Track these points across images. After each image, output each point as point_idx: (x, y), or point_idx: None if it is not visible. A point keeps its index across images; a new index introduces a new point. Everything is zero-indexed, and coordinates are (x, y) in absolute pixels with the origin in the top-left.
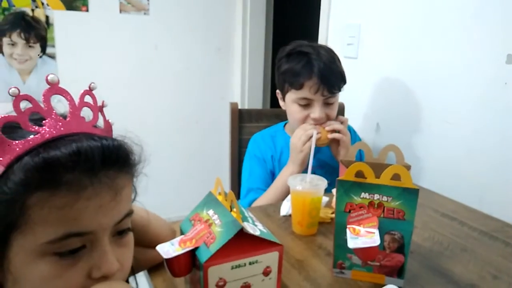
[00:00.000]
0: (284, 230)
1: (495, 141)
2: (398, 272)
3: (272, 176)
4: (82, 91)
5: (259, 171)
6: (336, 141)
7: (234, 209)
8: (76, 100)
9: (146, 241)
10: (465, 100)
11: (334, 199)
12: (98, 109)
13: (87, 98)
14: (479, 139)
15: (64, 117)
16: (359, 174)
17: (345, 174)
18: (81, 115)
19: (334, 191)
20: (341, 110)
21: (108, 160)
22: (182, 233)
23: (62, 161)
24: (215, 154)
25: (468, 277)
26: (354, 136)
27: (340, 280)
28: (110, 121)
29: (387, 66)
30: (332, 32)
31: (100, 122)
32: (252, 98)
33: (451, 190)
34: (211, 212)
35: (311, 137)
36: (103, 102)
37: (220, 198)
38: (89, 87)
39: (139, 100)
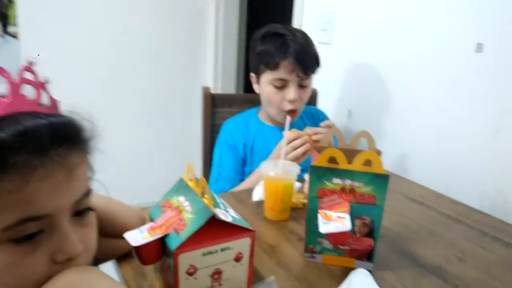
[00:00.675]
0: (257, 216)
1: (463, 128)
2: (368, 256)
3: (243, 163)
4: (20, 68)
5: (230, 158)
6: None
7: (206, 196)
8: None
9: (112, 230)
10: (436, 87)
11: (305, 184)
12: (40, 85)
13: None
14: (447, 126)
15: (5, 96)
16: (332, 160)
17: (318, 160)
18: (24, 93)
19: (306, 176)
20: (314, 96)
21: (57, 138)
22: (151, 220)
23: (8, 143)
24: (186, 139)
25: (435, 260)
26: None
27: (311, 265)
28: (56, 98)
29: (360, 53)
30: (306, 17)
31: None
32: (225, 83)
33: (419, 175)
34: (182, 198)
35: (295, 149)
36: (45, 78)
37: (191, 184)
38: (28, 62)
39: (107, 81)
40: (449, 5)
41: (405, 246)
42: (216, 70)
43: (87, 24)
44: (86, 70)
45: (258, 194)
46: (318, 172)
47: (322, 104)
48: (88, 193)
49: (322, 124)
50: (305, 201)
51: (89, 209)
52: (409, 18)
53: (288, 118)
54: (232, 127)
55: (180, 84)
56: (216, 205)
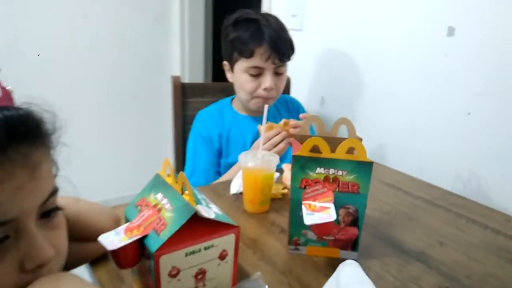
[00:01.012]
0: (236, 209)
1: (435, 112)
2: (352, 245)
3: (219, 155)
4: None
5: (205, 151)
6: None
7: (186, 192)
8: None
9: (83, 233)
10: (407, 72)
11: (284, 174)
12: None
13: None
14: (420, 111)
15: None
16: (315, 149)
17: (300, 149)
18: None
19: (284, 166)
20: (287, 84)
21: (16, 134)
22: (127, 220)
23: None
24: (156, 131)
25: (417, 245)
26: (302, 111)
27: (295, 257)
28: (8, 88)
29: (331, 39)
30: (275, 2)
31: None
32: (193, 72)
33: (394, 161)
34: (159, 196)
35: (275, 145)
36: None
37: (169, 180)
38: None
39: (68, 73)
40: None
41: (386, 233)
42: (182, 59)
43: (46, 12)
44: (45, 61)
45: (236, 187)
46: (301, 162)
47: (295, 92)
48: (54, 192)
49: (301, 116)
50: (285, 191)
51: (57, 208)
52: (381, 3)
53: (266, 107)
54: (206, 118)
55: (146, 74)
56: (197, 201)
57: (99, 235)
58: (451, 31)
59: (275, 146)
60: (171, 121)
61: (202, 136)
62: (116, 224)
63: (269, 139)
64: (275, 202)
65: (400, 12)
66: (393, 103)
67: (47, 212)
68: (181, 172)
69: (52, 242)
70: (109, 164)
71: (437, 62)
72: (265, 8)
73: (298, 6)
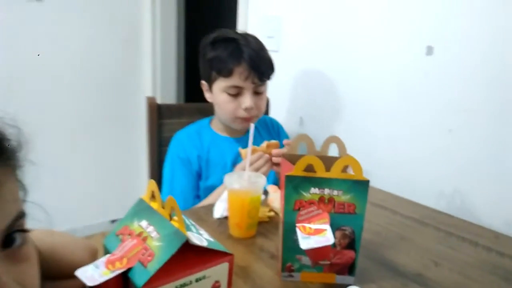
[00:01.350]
0: (220, 234)
1: (416, 130)
2: (349, 269)
3: (198, 178)
4: None
5: (183, 173)
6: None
7: (175, 217)
8: None
9: (58, 270)
10: (387, 91)
11: (270, 196)
12: None
13: None
14: (401, 129)
15: None
16: (308, 168)
17: (294, 169)
18: None
19: (268, 188)
20: (266, 105)
21: None
22: (107, 251)
23: None
24: (130, 154)
25: (413, 266)
26: (282, 132)
27: (289, 285)
28: None
29: (309, 59)
30: (251, 24)
31: None
32: (165, 93)
33: (376, 179)
34: (144, 223)
35: (258, 169)
36: None
37: (155, 205)
38: None
39: (38, 98)
40: (398, 9)
41: (380, 255)
42: (154, 80)
43: (10, 35)
44: (12, 85)
45: (219, 210)
46: (294, 182)
47: (274, 112)
48: (20, 216)
49: (285, 143)
50: (271, 214)
51: (25, 237)
52: (358, 23)
53: (252, 126)
54: (184, 139)
55: (117, 96)
56: (187, 227)
57: (75, 270)
58: (430, 50)
59: (258, 170)
60: (146, 143)
61: (180, 158)
62: (93, 257)
63: (252, 163)
64: (262, 226)
65: (378, 31)
66: (373, 122)
67: (11, 241)
68: (170, 196)
69: (18, 279)
70: (79, 190)
71: (417, 81)
72: (241, 28)
73: (274, 27)
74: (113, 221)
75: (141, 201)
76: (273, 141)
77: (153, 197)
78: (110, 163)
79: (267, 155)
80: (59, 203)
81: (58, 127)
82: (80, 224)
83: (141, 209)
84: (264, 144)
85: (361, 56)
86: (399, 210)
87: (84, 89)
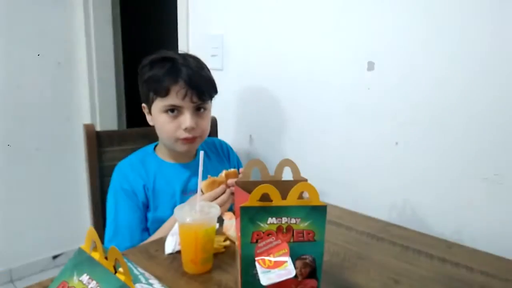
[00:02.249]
0: (174, 272)
1: (364, 144)
2: None
3: (146, 209)
4: None
5: (128, 206)
6: None
7: (120, 269)
8: None
9: None
10: (333, 107)
11: (225, 224)
12: None
13: None
14: (349, 144)
15: None
16: (264, 197)
17: (249, 199)
18: None
19: (224, 215)
20: (213, 125)
21: None
22: None
23: None
24: (67, 187)
25: (374, 286)
26: (233, 154)
27: None
28: None
29: (255, 76)
30: (193, 43)
31: None
32: (104, 118)
33: (328, 195)
34: (85, 278)
35: (216, 197)
36: None
37: (96, 256)
38: None
39: None
40: (339, 24)
41: (341, 278)
42: (92, 105)
43: None
44: None
45: (171, 245)
46: (250, 214)
47: (222, 132)
48: None
49: (241, 171)
50: (227, 243)
51: None
52: (299, 38)
53: (202, 153)
54: (127, 170)
55: (50, 123)
56: (135, 279)
57: None
58: (371, 66)
59: (222, 205)
60: (85, 174)
61: (124, 189)
62: None
63: (215, 197)
64: (217, 258)
65: (320, 47)
66: (322, 138)
67: None
68: (112, 246)
69: None
70: (14, 226)
71: (361, 96)
72: (182, 48)
73: (217, 46)
74: (55, 257)
75: (81, 251)
76: (231, 170)
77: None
78: (46, 198)
79: (231, 189)
80: None
81: None
82: (17, 264)
83: (81, 261)
84: (223, 173)
85: (305, 72)
86: (354, 226)
87: (13, 116)
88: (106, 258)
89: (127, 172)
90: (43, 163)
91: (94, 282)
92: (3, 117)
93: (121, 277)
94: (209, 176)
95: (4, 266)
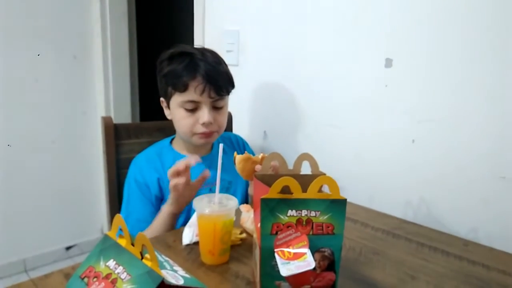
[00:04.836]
0: (192, 263)
1: (380, 141)
2: None
3: (160, 201)
4: None
5: (139, 198)
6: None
7: (147, 255)
8: None
9: None
10: (349, 103)
11: (242, 216)
12: None
13: None
14: (365, 141)
15: None
16: (284, 190)
17: (270, 191)
18: None
19: (241, 207)
20: (228, 120)
21: None
22: None
23: None
24: (82, 179)
25: (390, 282)
26: (248, 149)
27: None
28: None
29: (270, 72)
30: (208, 38)
31: None
32: (119, 112)
33: (343, 192)
34: (112, 263)
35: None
36: None
37: (123, 242)
38: None
39: None
40: (357, 22)
41: (357, 272)
42: (107, 98)
43: None
44: None
45: (188, 236)
46: (270, 206)
47: (237, 127)
48: None
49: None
50: (243, 236)
51: None
52: (317, 35)
53: (221, 146)
54: (142, 163)
55: (66, 116)
56: (161, 265)
57: None
58: (388, 63)
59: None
60: (103, 165)
61: (137, 181)
62: None
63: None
64: (234, 250)
65: (338, 44)
66: (337, 134)
67: None
68: (140, 233)
69: None
70: (29, 215)
71: (378, 93)
72: (198, 43)
73: (232, 42)
74: (68, 248)
75: (106, 237)
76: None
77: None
78: (62, 187)
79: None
80: (3, 230)
81: (3, 149)
82: (30, 254)
83: (107, 247)
84: (260, 155)
85: (321, 68)
86: (370, 223)
87: (29, 109)
88: (132, 245)
89: (142, 165)
90: (58, 155)
91: (121, 267)
92: (20, 110)
93: (148, 263)
94: (246, 152)
95: (18, 256)
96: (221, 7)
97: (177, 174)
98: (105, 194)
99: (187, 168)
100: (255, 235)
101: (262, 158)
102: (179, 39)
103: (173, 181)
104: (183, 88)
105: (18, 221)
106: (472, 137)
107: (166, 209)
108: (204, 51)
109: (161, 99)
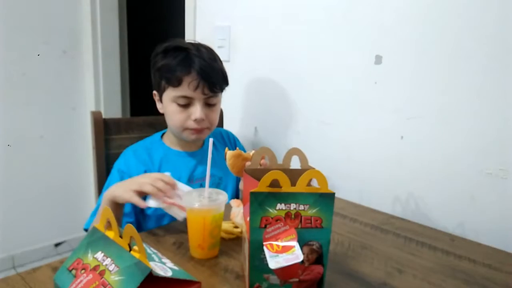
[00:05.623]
0: (182, 257)
1: (369, 137)
2: (318, 284)
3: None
4: None
5: None
6: None
7: (135, 247)
8: None
9: None
10: (339, 100)
11: (232, 211)
12: None
13: None
14: (354, 137)
15: None
16: (273, 183)
17: (259, 185)
18: None
19: (232, 202)
20: (220, 116)
21: None
22: None
23: None
24: (70, 175)
25: (378, 275)
26: (239, 145)
27: None
28: None
29: (261, 69)
30: (199, 34)
31: None
32: (109, 107)
33: (332, 188)
34: (100, 255)
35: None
36: None
37: (111, 234)
38: None
39: None
40: (347, 19)
41: (345, 266)
42: (97, 94)
43: None
44: None
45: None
46: (259, 199)
47: (228, 123)
48: None
49: (262, 162)
50: (239, 230)
51: None
52: (307, 32)
53: (211, 141)
54: (129, 155)
55: (55, 111)
56: (149, 257)
57: None
58: (378, 60)
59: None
60: (92, 161)
61: (120, 171)
62: None
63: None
64: (224, 244)
65: (328, 40)
66: (327, 130)
67: None
68: (128, 224)
69: None
70: (17, 211)
71: (368, 89)
72: (189, 39)
73: (224, 38)
74: (57, 245)
75: (95, 230)
76: (260, 150)
77: (109, 225)
78: (51, 183)
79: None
80: None
81: None
82: (19, 250)
83: (95, 239)
84: (252, 152)
85: (312, 65)
86: (359, 218)
87: (16, 104)
88: (121, 237)
89: (129, 156)
90: (47, 151)
91: (109, 259)
92: (8, 105)
93: (136, 255)
94: (237, 148)
95: (6, 253)
96: (212, 3)
97: (163, 181)
98: (94, 190)
99: (171, 186)
100: (244, 229)
101: (254, 155)
102: (170, 34)
103: (159, 181)
104: (177, 83)
105: (6, 217)
106: (459, 134)
107: (110, 190)
108: (199, 47)
109: (154, 92)
